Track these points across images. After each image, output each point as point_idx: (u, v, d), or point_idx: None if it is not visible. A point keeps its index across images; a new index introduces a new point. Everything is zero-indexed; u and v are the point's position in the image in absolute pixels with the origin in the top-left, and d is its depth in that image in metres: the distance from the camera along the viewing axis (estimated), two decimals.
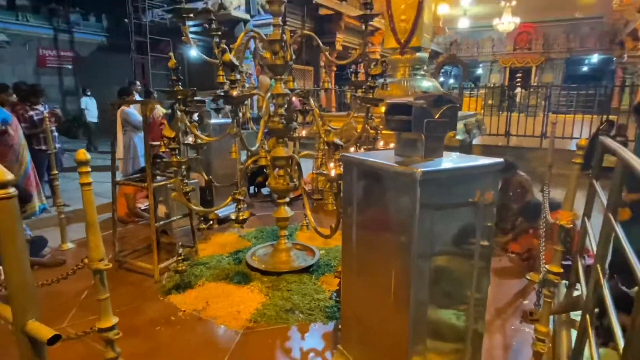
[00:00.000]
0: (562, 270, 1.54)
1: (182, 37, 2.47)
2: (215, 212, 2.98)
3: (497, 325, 2.40)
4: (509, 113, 8.09)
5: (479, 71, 22.63)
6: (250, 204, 4.56)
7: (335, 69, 12.79)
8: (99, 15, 13.13)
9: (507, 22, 13.57)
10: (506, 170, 3.53)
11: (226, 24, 9.46)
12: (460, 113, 5.57)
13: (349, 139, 2.62)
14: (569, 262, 2.99)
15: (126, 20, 10.05)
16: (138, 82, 6.84)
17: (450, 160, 1.51)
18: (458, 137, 4.40)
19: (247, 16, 8.81)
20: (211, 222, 3.29)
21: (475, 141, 6.28)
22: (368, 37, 10.27)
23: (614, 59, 18.04)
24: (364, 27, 2.56)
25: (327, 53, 2.86)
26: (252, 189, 5.09)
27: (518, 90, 16.44)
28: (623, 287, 2.09)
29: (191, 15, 2.38)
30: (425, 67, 5.51)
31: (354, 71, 2.84)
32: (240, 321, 2.39)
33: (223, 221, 3.95)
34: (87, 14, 12.94)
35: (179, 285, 2.78)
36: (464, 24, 15.97)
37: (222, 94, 2.23)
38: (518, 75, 21.24)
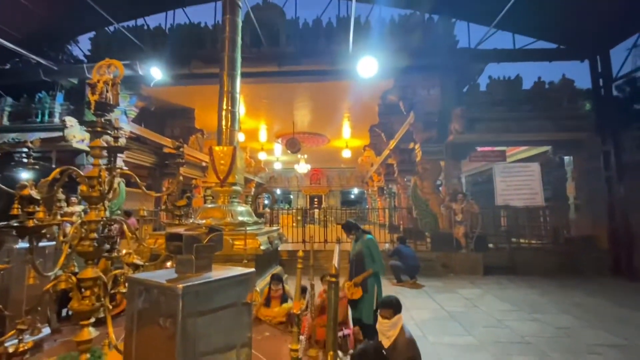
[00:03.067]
0: (298, 346, 1.66)
1: None
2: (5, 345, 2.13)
3: None
4: (303, 227, 9.01)
5: (292, 197, 25.34)
6: (58, 329, 3.45)
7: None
8: None
9: (303, 167, 16.09)
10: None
11: (68, 154, 8.18)
12: (266, 228, 5.95)
13: (158, 254, 2.42)
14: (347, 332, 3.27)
15: None
16: None
17: (216, 274, 1.58)
18: (262, 247, 4.56)
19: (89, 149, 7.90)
20: None
21: (279, 248, 6.65)
22: (204, 171, 10.11)
23: (365, 191, 23.24)
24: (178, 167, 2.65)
25: (144, 187, 2.76)
26: (65, 312, 3.90)
27: (316, 210, 18.94)
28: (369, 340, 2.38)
29: None
30: (251, 195, 5.86)
31: (170, 200, 2.79)
32: None
33: (13, 355, 2.81)
34: None
35: None
36: (278, 165, 18.14)
37: (16, 224, 1.83)
38: (316, 200, 24.70)
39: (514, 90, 8.05)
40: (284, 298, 3.84)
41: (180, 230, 1.53)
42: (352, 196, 27.76)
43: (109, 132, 2.47)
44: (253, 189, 18.58)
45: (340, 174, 23.89)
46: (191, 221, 4.43)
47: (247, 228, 4.24)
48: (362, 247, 3.51)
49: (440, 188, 8.60)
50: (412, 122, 8.58)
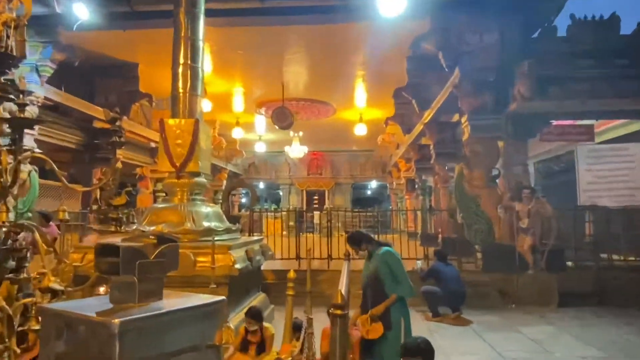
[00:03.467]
0: None
1: None
2: None
3: None
4: (297, 237, 9.06)
5: (281, 193, 25.41)
6: None
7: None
8: None
9: (297, 150, 16.12)
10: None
11: None
12: (243, 239, 6.02)
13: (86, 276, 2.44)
14: None
15: None
16: None
17: (169, 304, 1.59)
18: (237, 265, 4.62)
19: None
20: None
21: (262, 266, 6.71)
22: (154, 155, 10.20)
23: (388, 185, 23.32)
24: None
25: (65, 178, 2.77)
26: None
27: (316, 213, 19.05)
28: None
29: None
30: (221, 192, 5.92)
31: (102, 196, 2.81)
32: None
33: None
34: None
35: None
36: (260, 147, 18.19)
37: None
38: (316, 198, 24.83)
39: (607, 37, 7.96)
40: (261, 346, 3.87)
41: (118, 240, 1.55)
42: (369, 192, 27.87)
43: (11, 97, 2.47)
44: (224, 182, 18.67)
45: (351, 159, 23.97)
46: (134, 228, 4.47)
47: (216, 238, 4.28)
48: (378, 265, 3.54)
49: (498, 180, 8.60)
50: (457, 83, 8.53)
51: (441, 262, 6.86)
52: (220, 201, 6.03)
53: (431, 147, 12.04)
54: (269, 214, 15.85)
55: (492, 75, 8.25)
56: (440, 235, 11.32)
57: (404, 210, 16.36)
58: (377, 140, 17.36)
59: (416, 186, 15.93)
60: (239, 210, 21.91)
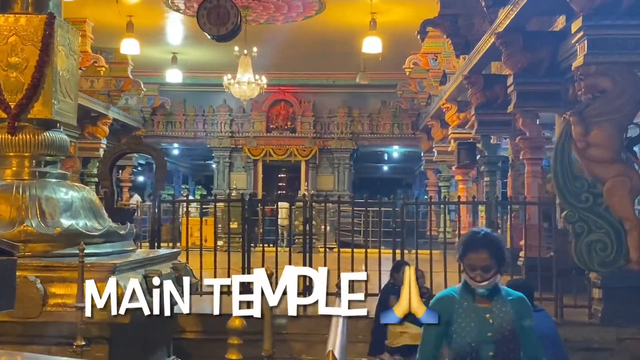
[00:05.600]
0: None
1: None
2: None
3: None
4: (246, 252, 9.30)
5: (215, 166, 25.11)
6: None
7: None
8: None
9: (247, 83, 15.77)
10: None
11: None
12: (140, 253, 6.21)
13: None
14: None
15: None
16: None
17: None
18: (127, 304, 4.40)
19: None
20: None
21: (180, 308, 6.58)
22: None
23: (422, 153, 23.14)
24: None
25: None
26: None
27: (283, 205, 18.73)
28: None
29: None
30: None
31: None
32: None
33: None
34: None
35: None
36: (175, 76, 17.89)
37: None
38: (282, 176, 24.65)
39: None
40: None
41: None
42: (385, 167, 27.81)
43: None
44: (103, 142, 18.61)
45: (352, 104, 24.24)
46: None
47: (88, 250, 4.38)
48: (513, 317, 3.38)
49: (638, 148, 8.42)
50: None
51: None
52: (97, 179, 5.75)
53: (509, 80, 11.82)
54: (190, 205, 15.71)
55: None
56: (522, 254, 11.33)
57: (453, 202, 16.41)
58: (403, 66, 17.40)
59: (477, 157, 15.99)
60: (130, 197, 21.87)
